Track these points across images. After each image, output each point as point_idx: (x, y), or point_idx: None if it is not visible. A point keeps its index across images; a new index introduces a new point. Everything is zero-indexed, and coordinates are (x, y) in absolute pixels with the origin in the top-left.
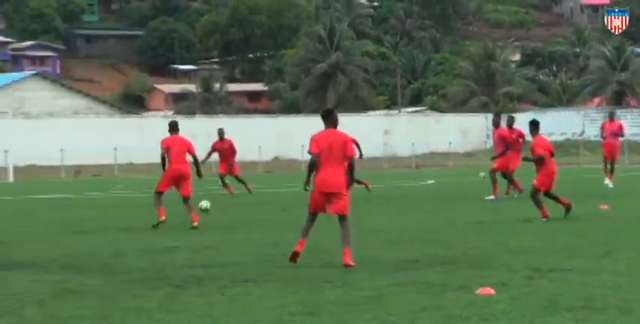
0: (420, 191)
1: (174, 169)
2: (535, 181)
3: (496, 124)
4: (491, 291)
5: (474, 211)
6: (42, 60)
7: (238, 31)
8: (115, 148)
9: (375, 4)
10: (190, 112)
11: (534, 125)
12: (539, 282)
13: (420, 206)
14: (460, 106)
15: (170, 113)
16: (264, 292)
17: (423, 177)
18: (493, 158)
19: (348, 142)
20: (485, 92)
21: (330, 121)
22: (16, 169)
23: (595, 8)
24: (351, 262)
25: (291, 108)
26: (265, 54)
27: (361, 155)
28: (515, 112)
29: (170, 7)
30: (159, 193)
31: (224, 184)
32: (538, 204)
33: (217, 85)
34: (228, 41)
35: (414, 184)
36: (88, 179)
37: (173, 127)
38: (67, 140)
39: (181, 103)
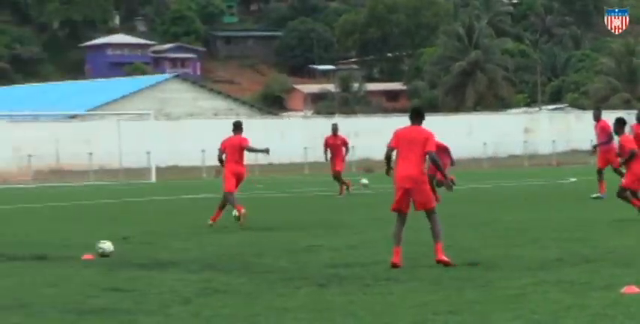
0: (561, 189)
1: (232, 169)
2: (624, 180)
3: (596, 117)
4: (637, 289)
5: (617, 209)
6: (182, 62)
7: (376, 30)
8: None
9: (515, 1)
10: (329, 112)
11: (620, 123)
12: None
13: (562, 204)
14: (601, 102)
15: (309, 113)
16: (407, 291)
17: (564, 175)
18: (595, 147)
19: (429, 139)
20: (628, 89)
21: (418, 120)
22: (159, 170)
23: None
24: (444, 258)
25: (430, 107)
26: (404, 53)
27: (452, 162)
28: None
29: (308, 7)
30: (229, 193)
31: (341, 182)
32: (627, 200)
33: (356, 85)
34: (367, 41)
35: (556, 182)
36: None
37: (237, 127)
38: (208, 141)
39: (320, 103)
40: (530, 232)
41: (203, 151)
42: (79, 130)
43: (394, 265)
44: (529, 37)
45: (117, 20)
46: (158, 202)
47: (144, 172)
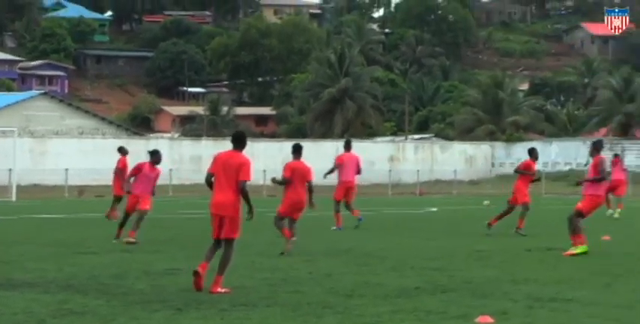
0: (423, 218)
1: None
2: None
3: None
4: (490, 320)
5: (477, 240)
6: (50, 79)
7: (248, 54)
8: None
9: (387, 30)
10: (197, 135)
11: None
12: (539, 312)
13: (423, 233)
14: (467, 133)
15: (176, 135)
16: (264, 317)
17: (426, 204)
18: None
19: (243, 166)
20: (492, 121)
21: (241, 145)
22: (20, 188)
23: (605, 39)
24: (220, 290)
25: (298, 133)
26: (274, 78)
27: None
28: (521, 141)
29: (181, 29)
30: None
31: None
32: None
33: (225, 108)
34: (238, 64)
35: (418, 212)
36: (93, 199)
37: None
38: (72, 160)
39: (188, 125)
40: (390, 260)
41: (66, 170)
42: None
43: (197, 273)
44: (399, 66)
45: None
46: (17, 221)
47: (4, 190)
